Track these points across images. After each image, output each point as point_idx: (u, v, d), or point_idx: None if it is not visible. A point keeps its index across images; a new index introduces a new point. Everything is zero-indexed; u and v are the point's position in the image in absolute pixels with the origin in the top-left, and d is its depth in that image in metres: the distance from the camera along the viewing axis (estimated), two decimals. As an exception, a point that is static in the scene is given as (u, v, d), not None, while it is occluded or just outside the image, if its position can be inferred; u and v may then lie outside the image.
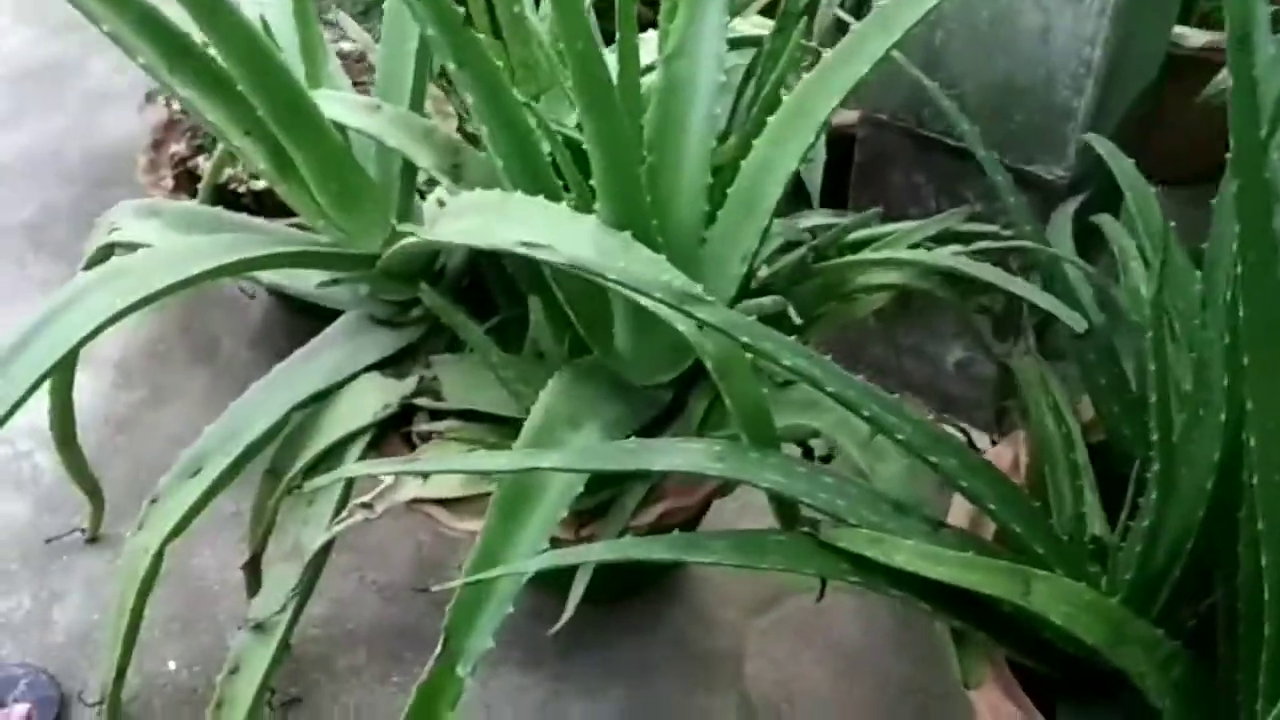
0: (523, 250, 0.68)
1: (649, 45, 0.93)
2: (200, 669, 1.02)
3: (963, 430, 0.94)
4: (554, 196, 0.78)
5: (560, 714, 0.98)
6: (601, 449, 0.69)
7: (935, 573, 0.66)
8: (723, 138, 0.85)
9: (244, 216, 0.94)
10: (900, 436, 0.68)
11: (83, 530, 1.13)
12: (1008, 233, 0.88)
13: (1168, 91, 1.17)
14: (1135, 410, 0.85)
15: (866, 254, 0.85)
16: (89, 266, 0.89)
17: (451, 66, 0.74)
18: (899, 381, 1.21)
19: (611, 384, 0.82)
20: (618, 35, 0.73)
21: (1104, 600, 0.68)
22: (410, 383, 0.91)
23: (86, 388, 1.31)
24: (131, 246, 0.86)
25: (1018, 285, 0.78)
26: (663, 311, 0.66)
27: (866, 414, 0.68)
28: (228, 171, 1.20)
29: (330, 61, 0.89)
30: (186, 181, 1.24)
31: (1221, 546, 0.67)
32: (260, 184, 1.18)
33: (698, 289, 0.62)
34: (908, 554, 0.67)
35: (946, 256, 0.80)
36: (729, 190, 0.79)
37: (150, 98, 1.30)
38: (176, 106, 1.26)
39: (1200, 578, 0.71)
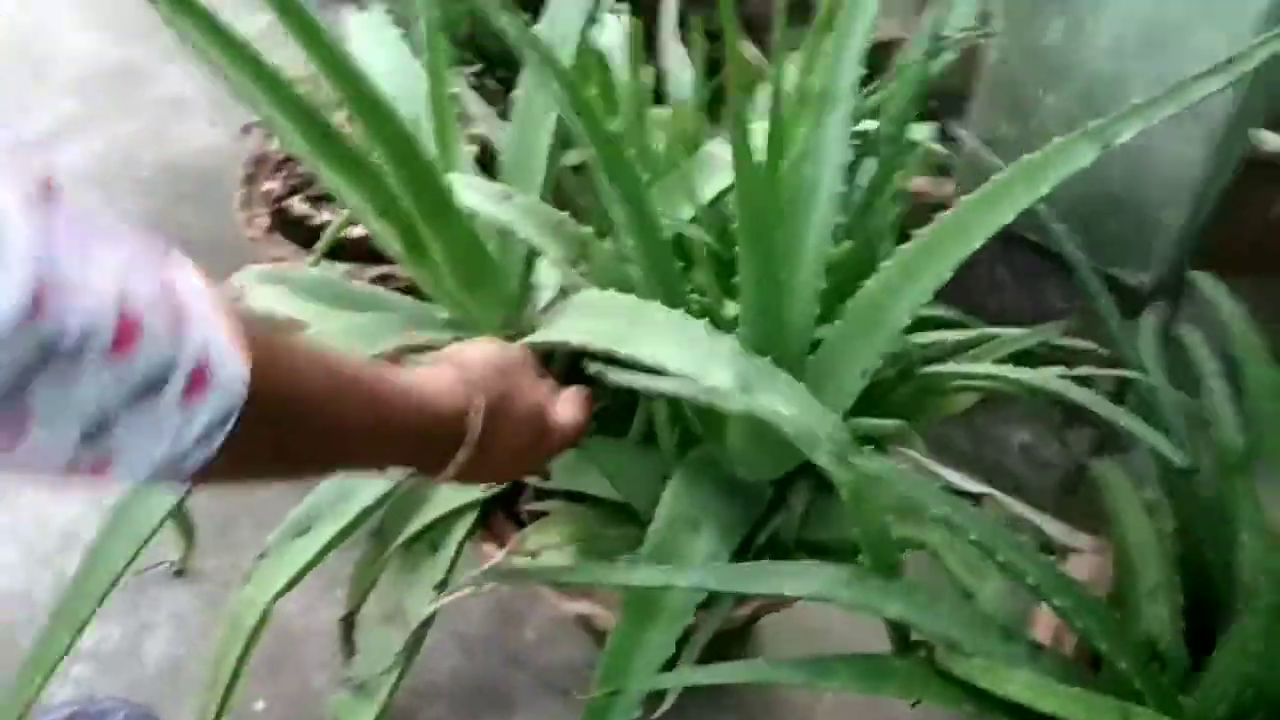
0: (658, 376, 0.71)
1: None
2: (286, 711, 1.05)
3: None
4: (683, 305, 0.82)
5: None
6: (737, 570, 0.72)
7: (1044, 705, 0.70)
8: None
9: (368, 288, 0.96)
10: (1001, 559, 0.72)
11: (171, 563, 1.17)
12: (1104, 351, 0.91)
13: (1242, 192, 1.20)
14: (1216, 530, 0.89)
15: (971, 367, 0.88)
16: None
17: (603, 180, 0.77)
18: (963, 460, 1.24)
19: (723, 481, 0.85)
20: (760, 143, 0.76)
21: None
22: (518, 461, 0.94)
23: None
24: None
25: (1123, 417, 0.81)
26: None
27: (974, 538, 0.72)
28: (325, 215, 1.23)
29: (461, 145, 0.92)
30: (279, 222, 1.26)
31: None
32: (357, 230, 1.21)
33: (847, 436, 0.65)
34: (1019, 686, 0.70)
35: (1053, 380, 0.83)
36: (848, 303, 0.82)
37: (247, 129, 1.33)
38: (275, 144, 1.28)
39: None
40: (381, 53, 1.02)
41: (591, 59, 0.95)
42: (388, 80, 1.00)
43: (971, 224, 0.71)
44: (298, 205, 1.26)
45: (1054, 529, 1.00)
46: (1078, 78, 0.96)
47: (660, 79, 1.07)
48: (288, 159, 1.30)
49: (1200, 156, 0.94)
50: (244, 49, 0.76)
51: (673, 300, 0.83)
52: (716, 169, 0.96)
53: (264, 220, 1.26)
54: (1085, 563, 0.94)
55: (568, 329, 0.81)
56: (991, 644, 0.74)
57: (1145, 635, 0.88)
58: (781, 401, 0.70)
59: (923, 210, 0.83)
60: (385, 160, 0.82)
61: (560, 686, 1.08)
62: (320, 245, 1.03)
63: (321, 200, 1.26)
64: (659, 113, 1.02)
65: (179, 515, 1.12)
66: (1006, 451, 1.24)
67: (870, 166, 0.93)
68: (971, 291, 1.13)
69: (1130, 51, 0.91)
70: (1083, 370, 0.86)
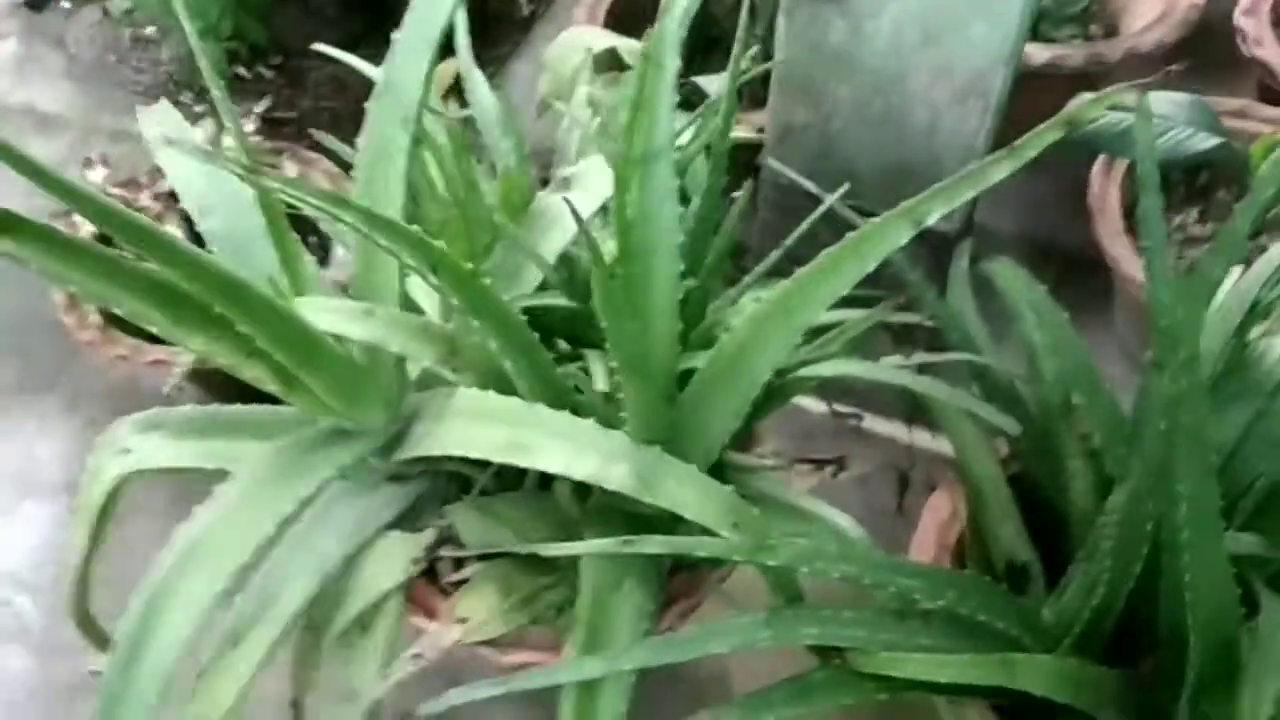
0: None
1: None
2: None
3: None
4: (556, 385, 0.88)
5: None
6: (668, 643, 0.81)
7: (944, 675, 0.82)
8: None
9: (246, 410, 0.98)
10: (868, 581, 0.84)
11: (95, 673, 1.18)
12: (930, 323, 1.01)
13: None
14: (1045, 455, 1.02)
15: (819, 369, 0.97)
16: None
17: (451, 300, 0.81)
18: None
19: (625, 519, 0.93)
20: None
21: (1065, 663, 0.86)
22: (429, 534, 0.99)
23: (42, 518, 1.33)
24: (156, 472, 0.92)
25: (960, 399, 0.93)
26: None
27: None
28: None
29: (309, 267, 0.93)
30: (109, 315, 1.24)
31: (1152, 595, 0.86)
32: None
33: (764, 533, 0.74)
34: (917, 666, 0.83)
35: (898, 373, 0.93)
36: (709, 355, 0.89)
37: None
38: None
39: (1131, 619, 0.90)
40: (190, 167, 1.01)
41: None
42: (206, 199, 0.99)
43: (811, 294, 0.79)
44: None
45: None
46: (864, 71, 1.03)
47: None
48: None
49: (985, 123, 1.03)
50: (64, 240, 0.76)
51: (545, 383, 0.89)
52: (550, 224, 1.01)
53: (95, 318, 1.23)
54: (941, 504, 1.07)
55: (460, 440, 0.86)
56: (890, 631, 0.86)
57: (1004, 556, 1.03)
58: (678, 491, 0.78)
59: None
60: (233, 312, 0.84)
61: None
62: (172, 383, 1.03)
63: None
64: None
65: (88, 624, 1.14)
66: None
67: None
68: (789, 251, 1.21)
69: (910, 46, 0.99)
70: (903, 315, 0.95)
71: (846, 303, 0.97)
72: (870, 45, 1.00)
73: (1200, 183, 1.29)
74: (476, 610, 0.97)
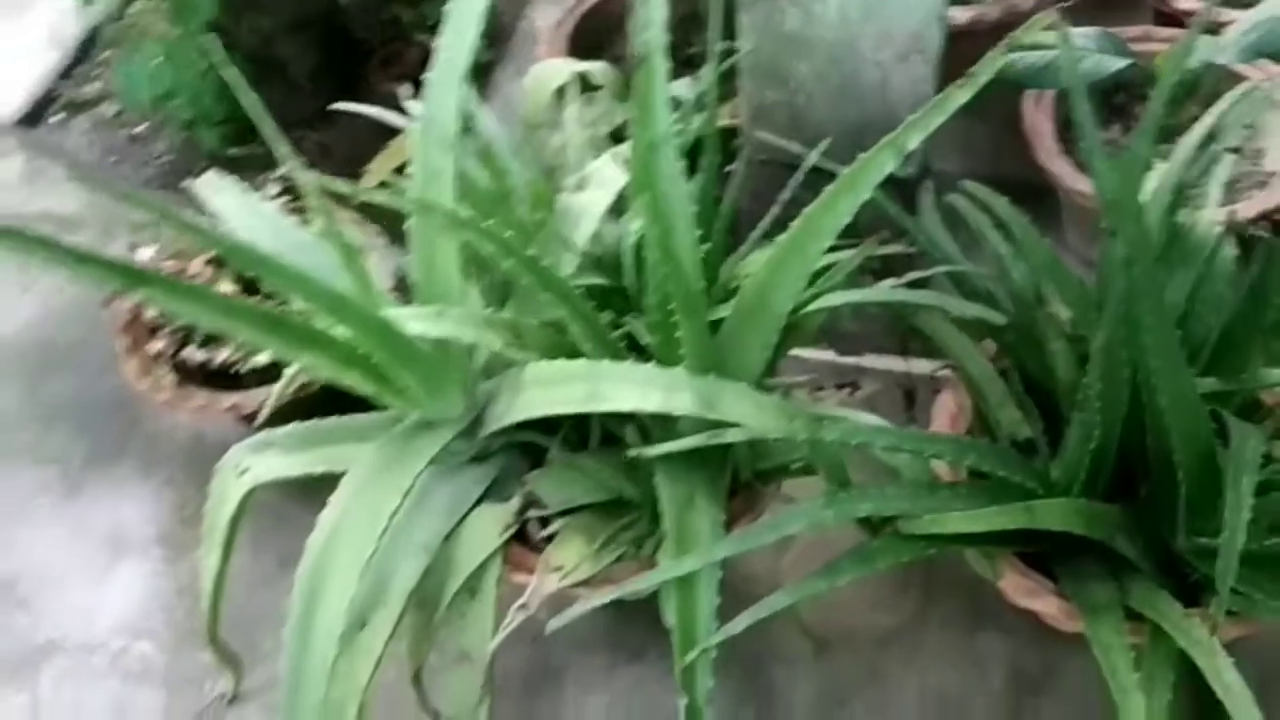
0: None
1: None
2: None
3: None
4: (613, 346, 1.03)
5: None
6: (746, 535, 0.96)
7: (978, 526, 0.98)
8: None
9: (340, 420, 1.12)
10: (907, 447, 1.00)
11: (224, 695, 1.31)
12: (912, 250, 1.17)
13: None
14: (1028, 343, 1.18)
15: (829, 299, 1.12)
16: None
17: (522, 278, 0.96)
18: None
19: (685, 458, 1.08)
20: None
21: (1076, 502, 1.02)
22: (516, 502, 1.13)
23: (142, 572, 1.46)
24: (273, 484, 1.06)
25: (949, 302, 1.09)
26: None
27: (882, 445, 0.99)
28: (224, 354, 1.36)
29: (378, 286, 1.08)
30: (185, 374, 1.37)
31: (1138, 434, 1.02)
32: (262, 359, 1.35)
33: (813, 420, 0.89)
34: (957, 521, 0.98)
35: (892, 291, 1.09)
36: (736, 299, 1.04)
37: (108, 301, 1.42)
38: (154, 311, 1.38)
39: (1124, 459, 1.06)
40: (257, 223, 1.15)
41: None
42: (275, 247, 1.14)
43: (819, 226, 0.94)
44: (195, 354, 1.37)
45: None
46: (819, 47, 1.19)
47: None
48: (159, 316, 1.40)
49: (928, 74, 1.20)
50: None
51: (608, 346, 1.04)
52: (575, 219, 1.16)
53: (169, 378, 1.37)
54: (947, 402, 1.23)
55: (542, 402, 1.01)
56: (925, 501, 1.01)
57: (1009, 436, 1.18)
58: (735, 406, 0.93)
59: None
60: (334, 324, 0.98)
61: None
62: (269, 406, 1.17)
63: (211, 341, 1.38)
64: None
65: (219, 645, 1.26)
66: (838, 315, 1.52)
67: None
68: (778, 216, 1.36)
69: (855, 20, 1.15)
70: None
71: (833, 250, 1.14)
72: (821, 25, 1.17)
73: (1118, 102, 1.48)
74: (568, 558, 1.11)
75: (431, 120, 1.05)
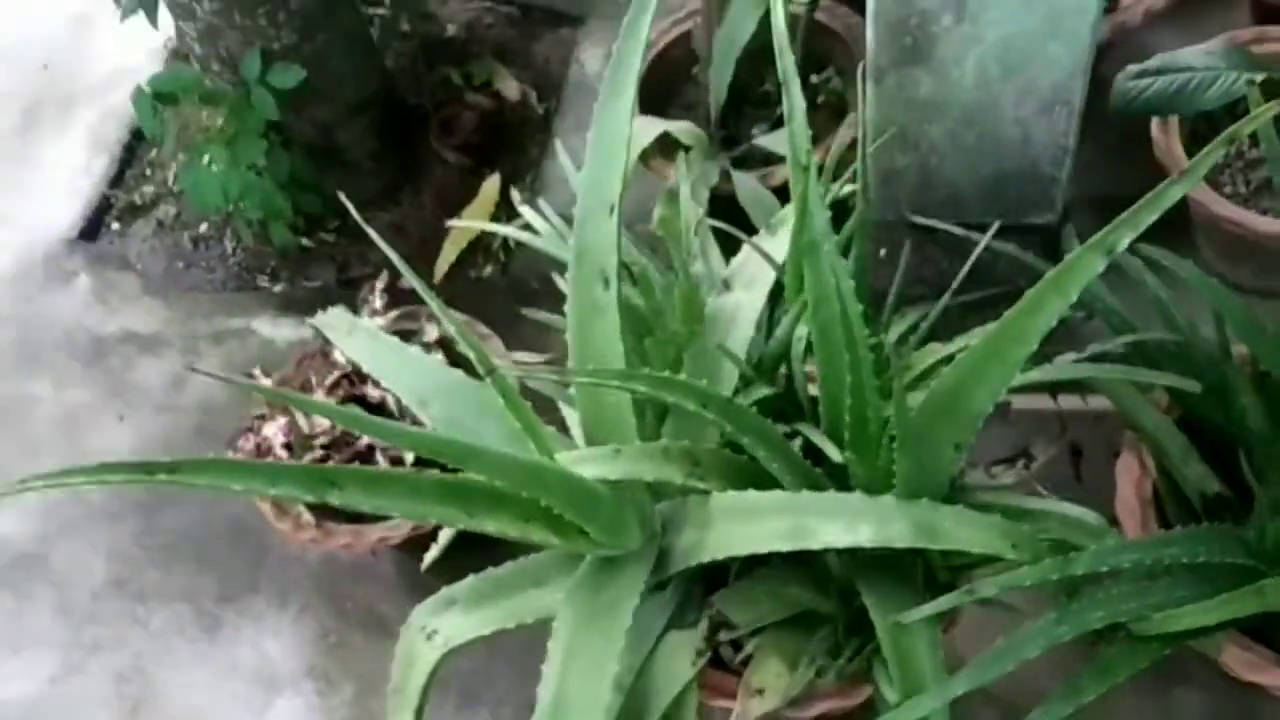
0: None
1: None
2: None
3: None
4: (799, 464, 0.99)
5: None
6: (980, 664, 0.91)
7: (1213, 619, 0.94)
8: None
9: (511, 566, 1.08)
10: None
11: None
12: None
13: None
14: (1215, 395, 1.13)
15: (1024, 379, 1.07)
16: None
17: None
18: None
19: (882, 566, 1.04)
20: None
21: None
22: (704, 626, 1.09)
23: (297, 707, 1.43)
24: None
25: (1144, 375, 1.04)
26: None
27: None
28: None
29: (545, 427, 1.03)
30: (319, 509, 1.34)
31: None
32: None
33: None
34: (1190, 618, 0.94)
35: (1078, 367, 1.05)
36: (923, 403, 0.99)
37: (230, 443, 1.38)
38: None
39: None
40: (401, 367, 1.11)
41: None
42: (421, 391, 1.09)
43: (1024, 329, 0.89)
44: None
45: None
46: (955, 109, 1.14)
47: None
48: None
49: (1072, 125, 1.14)
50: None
51: (793, 467, 1.00)
52: (728, 325, 1.11)
53: (307, 517, 1.33)
54: (1130, 458, 1.18)
55: (740, 540, 0.97)
56: (1150, 597, 0.96)
57: (1197, 492, 1.13)
58: (955, 532, 0.89)
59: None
60: (529, 489, 0.94)
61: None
62: (437, 552, 1.13)
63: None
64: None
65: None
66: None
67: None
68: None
69: (995, 78, 1.10)
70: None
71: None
72: (958, 88, 1.12)
73: (1239, 110, 1.41)
74: (768, 678, 1.07)
75: (584, 252, 1.00)
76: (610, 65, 1.00)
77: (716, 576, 1.11)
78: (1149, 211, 0.83)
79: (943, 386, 0.97)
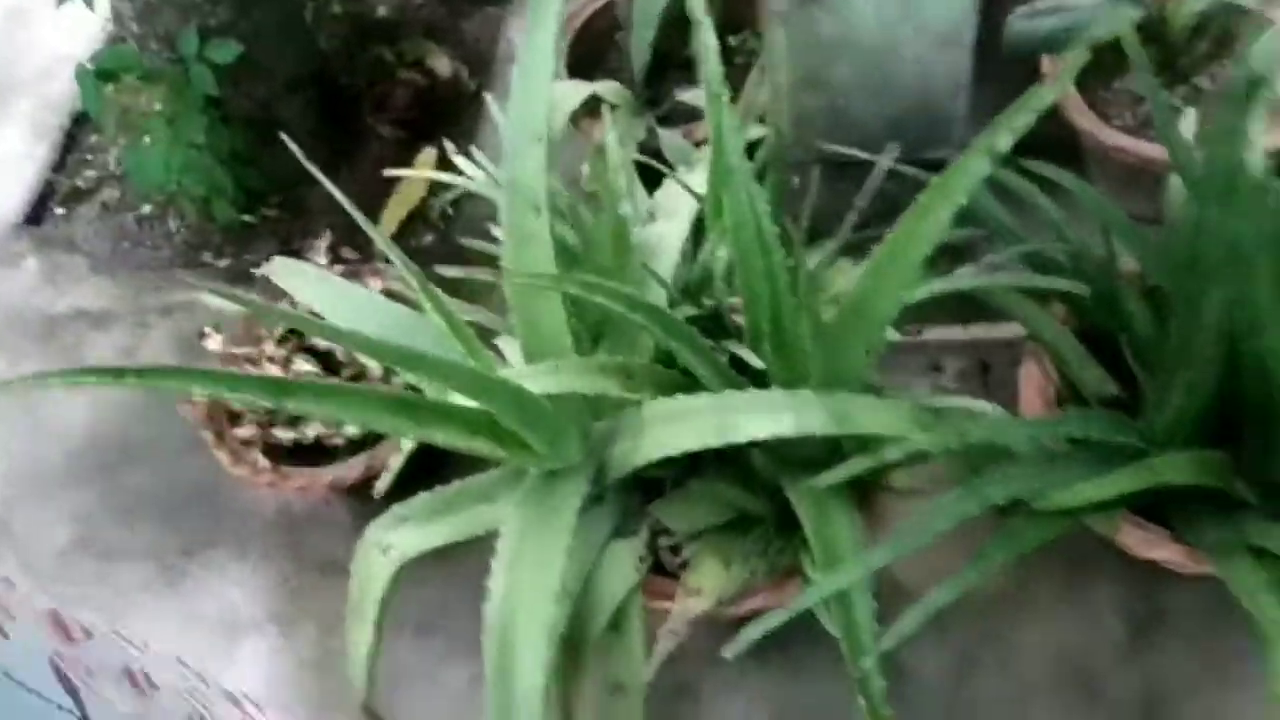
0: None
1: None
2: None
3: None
4: (724, 372, 1.07)
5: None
6: (895, 539, 0.99)
7: (1108, 493, 1.03)
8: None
9: (459, 485, 1.15)
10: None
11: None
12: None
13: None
14: (1103, 304, 1.23)
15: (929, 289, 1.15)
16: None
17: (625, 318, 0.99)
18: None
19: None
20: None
21: (1195, 454, 1.07)
22: (644, 535, 1.17)
23: (261, 649, 1.49)
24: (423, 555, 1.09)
25: (1038, 281, 1.13)
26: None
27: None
28: (314, 430, 1.38)
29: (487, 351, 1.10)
30: (273, 454, 1.40)
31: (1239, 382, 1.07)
32: (350, 431, 1.37)
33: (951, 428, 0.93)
34: (1089, 491, 1.03)
35: (976, 278, 1.14)
36: (836, 312, 1.08)
37: (187, 399, 1.43)
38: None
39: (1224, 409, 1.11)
40: (350, 306, 1.17)
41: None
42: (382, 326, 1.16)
43: (917, 233, 0.98)
44: (281, 434, 1.39)
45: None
46: (857, 48, 1.22)
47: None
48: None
49: (964, 64, 1.24)
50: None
51: (722, 375, 1.08)
52: (654, 252, 1.19)
53: (263, 462, 1.39)
54: (1032, 371, 1.27)
55: (670, 441, 1.04)
56: (1049, 476, 1.06)
57: (1095, 396, 1.23)
58: (869, 419, 0.97)
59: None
60: (462, 396, 1.01)
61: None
62: (389, 480, 1.20)
63: (298, 420, 1.40)
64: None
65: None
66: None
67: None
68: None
69: (893, 19, 1.19)
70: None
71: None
72: (858, 28, 1.20)
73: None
74: (705, 579, 1.15)
75: (516, 186, 1.07)
76: (530, 2, 1.07)
77: (655, 489, 1.19)
78: (1023, 113, 0.92)
79: (851, 294, 1.06)
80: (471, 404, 1.01)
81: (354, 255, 1.71)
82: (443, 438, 1.03)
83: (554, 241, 1.14)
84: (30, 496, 1.66)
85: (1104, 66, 1.50)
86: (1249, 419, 1.09)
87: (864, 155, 1.18)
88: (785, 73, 1.27)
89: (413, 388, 1.17)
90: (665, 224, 1.20)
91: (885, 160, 1.14)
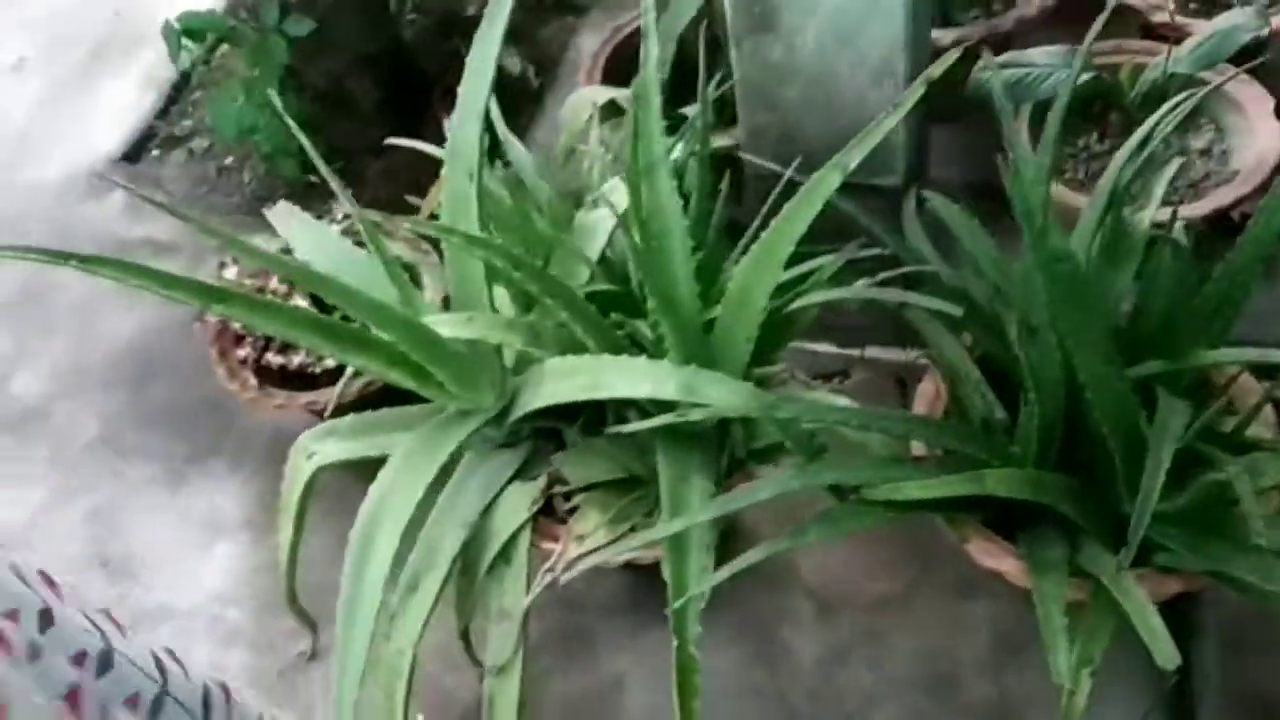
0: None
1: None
2: (440, 715, 1.42)
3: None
4: (617, 343, 1.20)
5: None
6: (726, 500, 1.11)
7: (931, 493, 1.12)
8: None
9: (388, 411, 1.31)
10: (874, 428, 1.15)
11: (303, 651, 1.51)
12: (889, 254, 1.32)
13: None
14: (995, 335, 1.31)
15: (809, 298, 1.27)
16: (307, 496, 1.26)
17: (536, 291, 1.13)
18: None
19: (684, 437, 1.24)
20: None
21: (1023, 472, 1.15)
22: (542, 481, 1.31)
23: (233, 551, 1.67)
24: (339, 465, 1.25)
25: (911, 298, 1.23)
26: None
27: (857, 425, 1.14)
28: (299, 358, 1.56)
29: (419, 297, 1.26)
30: (267, 376, 1.58)
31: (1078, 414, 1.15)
32: (329, 363, 1.55)
33: (772, 399, 1.05)
34: (913, 489, 1.13)
35: (862, 289, 1.24)
36: (722, 299, 1.20)
37: (200, 317, 1.64)
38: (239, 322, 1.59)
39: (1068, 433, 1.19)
40: (320, 246, 1.35)
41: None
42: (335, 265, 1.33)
43: (784, 234, 1.10)
44: (273, 359, 1.58)
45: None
46: (802, 75, 1.34)
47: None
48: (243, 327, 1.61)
49: (897, 95, 1.33)
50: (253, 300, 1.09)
51: (609, 342, 1.21)
52: (590, 234, 1.34)
53: (252, 381, 1.58)
54: (928, 387, 1.37)
55: (554, 391, 1.18)
56: (889, 473, 1.16)
57: (981, 417, 1.32)
58: (712, 392, 1.09)
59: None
60: (380, 330, 1.17)
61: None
62: (333, 401, 1.37)
63: (287, 348, 1.58)
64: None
65: (298, 606, 1.45)
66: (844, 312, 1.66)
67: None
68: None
69: (831, 50, 1.30)
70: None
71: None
72: (802, 55, 1.32)
73: (1095, 110, 1.60)
74: (588, 528, 1.28)
75: (455, 151, 1.23)
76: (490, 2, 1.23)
77: (564, 443, 1.33)
78: (873, 136, 1.03)
79: (734, 287, 1.19)
80: (386, 337, 1.17)
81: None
82: (360, 362, 1.19)
83: (503, 212, 1.30)
84: (70, 393, 1.89)
85: (1070, 128, 1.58)
86: (1094, 448, 1.17)
87: (777, 168, 1.29)
88: (739, 90, 1.40)
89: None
90: (603, 210, 1.34)
91: (789, 173, 1.26)
